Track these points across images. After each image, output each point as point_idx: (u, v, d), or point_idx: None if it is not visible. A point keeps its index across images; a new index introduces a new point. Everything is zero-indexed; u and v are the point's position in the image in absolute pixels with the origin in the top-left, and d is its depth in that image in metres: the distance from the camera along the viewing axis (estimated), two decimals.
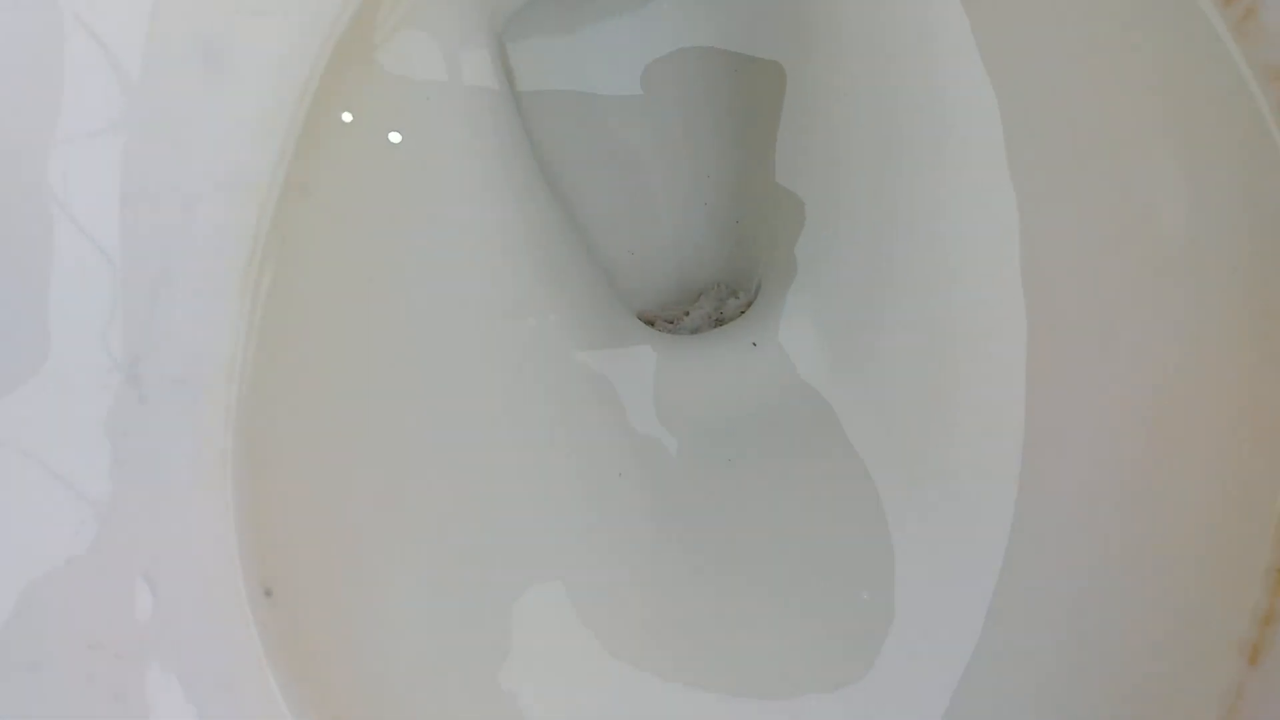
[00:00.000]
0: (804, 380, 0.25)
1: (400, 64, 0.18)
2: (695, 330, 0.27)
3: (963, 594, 0.24)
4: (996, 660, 0.23)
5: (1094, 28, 0.19)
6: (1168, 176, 0.20)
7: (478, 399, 0.20)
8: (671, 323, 0.27)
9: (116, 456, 0.14)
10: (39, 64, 0.13)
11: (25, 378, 0.13)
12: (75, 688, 0.15)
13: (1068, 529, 0.23)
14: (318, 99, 0.16)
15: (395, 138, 0.18)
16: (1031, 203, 0.23)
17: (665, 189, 0.28)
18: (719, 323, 0.27)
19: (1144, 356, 0.22)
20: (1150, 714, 0.24)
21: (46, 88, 0.13)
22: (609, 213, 0.27)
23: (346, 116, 0.17)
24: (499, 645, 0.20)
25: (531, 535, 0.21)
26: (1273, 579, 0.22)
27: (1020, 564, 0.23)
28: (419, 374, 0.19)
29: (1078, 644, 0.23)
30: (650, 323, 0.27)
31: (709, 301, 0.28)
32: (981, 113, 0.23)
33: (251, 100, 0.15)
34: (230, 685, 0.16)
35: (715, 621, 0.24)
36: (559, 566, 0.21)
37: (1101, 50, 0.20)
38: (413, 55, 0.18)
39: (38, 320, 0.13)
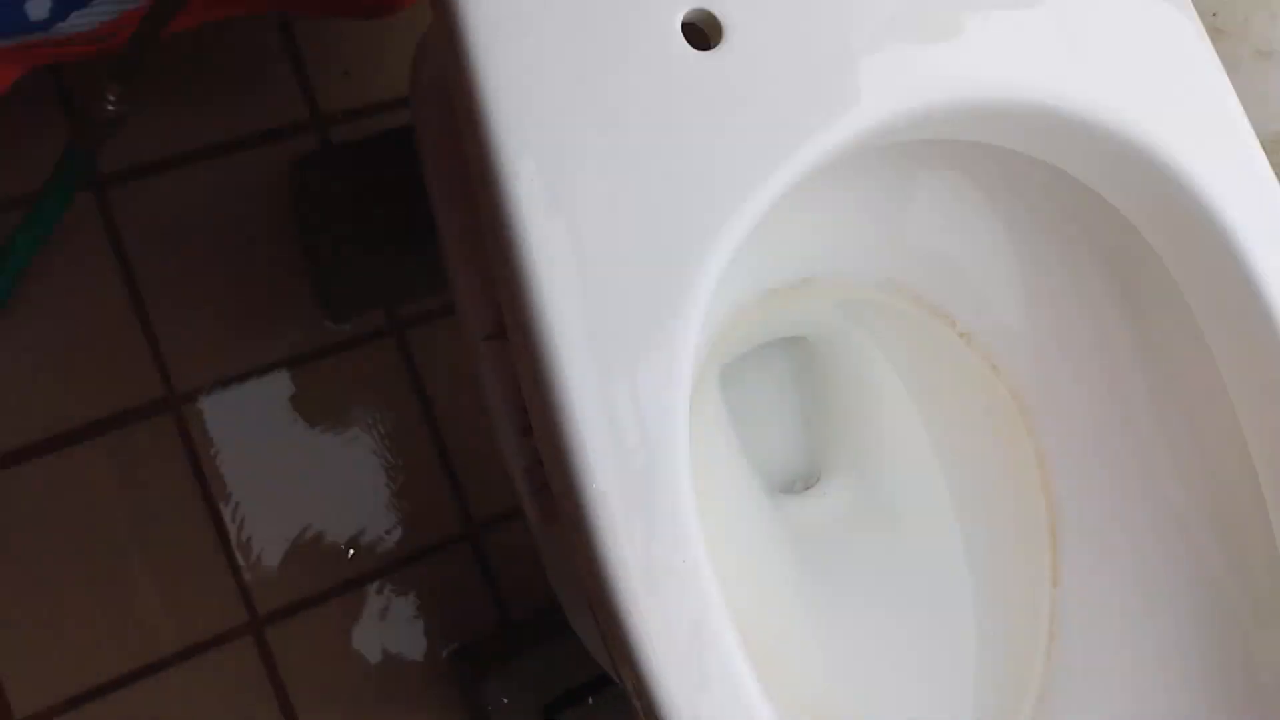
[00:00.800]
0: (848, 509, 0.59)
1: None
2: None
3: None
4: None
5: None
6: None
7: (745, 505, 0.53)
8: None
9: None
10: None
11: None
12: None
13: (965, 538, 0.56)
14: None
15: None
16: (937, 445, 0.58)
17: (772, 435, 0.62)
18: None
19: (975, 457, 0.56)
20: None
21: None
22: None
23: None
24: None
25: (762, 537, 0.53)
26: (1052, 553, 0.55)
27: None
28: (728, 473, 0.52)
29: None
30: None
31: (798, 484, 0.62)
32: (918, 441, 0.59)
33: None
34: None
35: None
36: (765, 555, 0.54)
37: (946, 392, 0.56)
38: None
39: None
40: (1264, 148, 0.93)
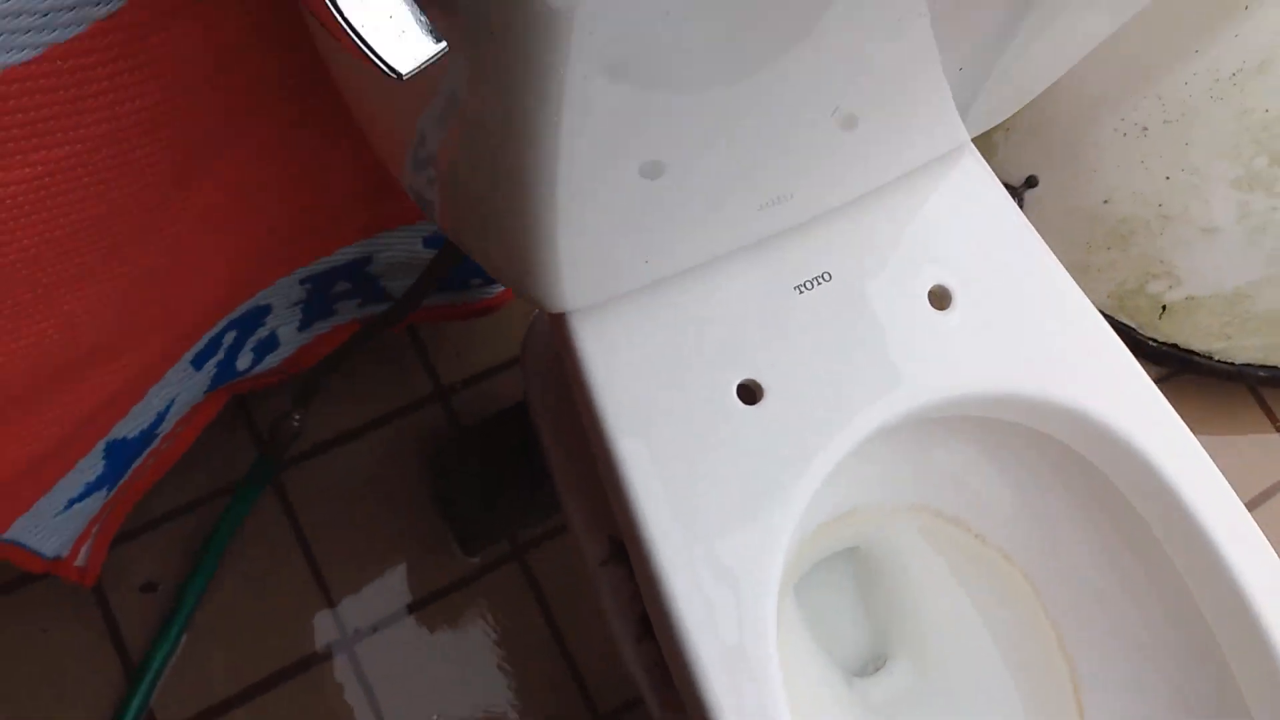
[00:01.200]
0: (912, 684, 0.73)
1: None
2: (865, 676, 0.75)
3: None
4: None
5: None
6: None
7: (828, 690, 0.68)
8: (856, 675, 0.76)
9: None
10: None
11: None
12: None
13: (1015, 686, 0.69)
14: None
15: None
16: (979, 619, 0.73)
17: (843, 629, 0.77)
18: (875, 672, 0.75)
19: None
20: None
21: None
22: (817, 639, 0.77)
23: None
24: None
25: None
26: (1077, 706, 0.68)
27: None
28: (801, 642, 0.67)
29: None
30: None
31: (869, 667, 0.76)
32: (960, 622, 0.74)
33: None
34: None
35: None
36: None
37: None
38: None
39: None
40: (1227, 300, 1.08)
